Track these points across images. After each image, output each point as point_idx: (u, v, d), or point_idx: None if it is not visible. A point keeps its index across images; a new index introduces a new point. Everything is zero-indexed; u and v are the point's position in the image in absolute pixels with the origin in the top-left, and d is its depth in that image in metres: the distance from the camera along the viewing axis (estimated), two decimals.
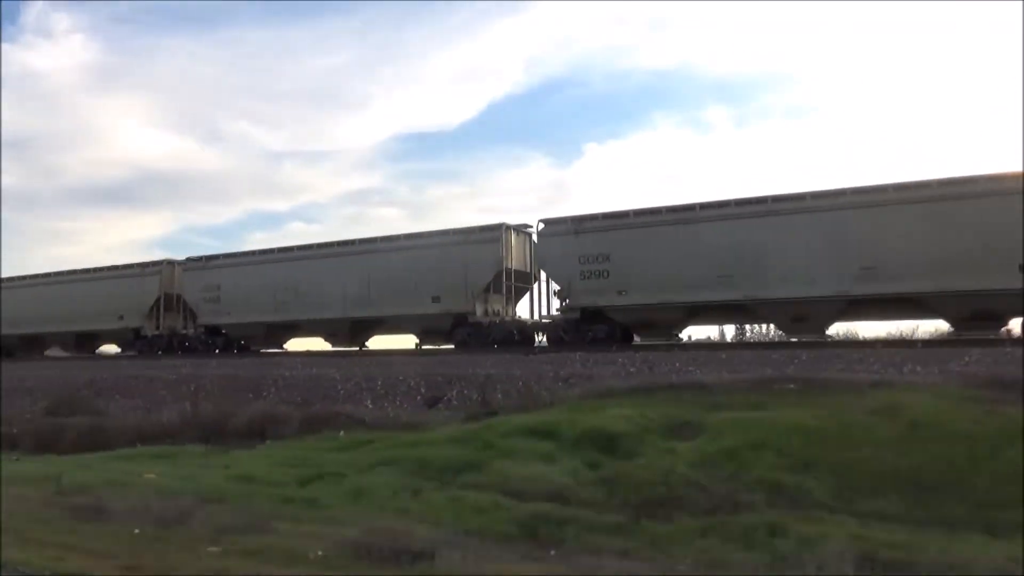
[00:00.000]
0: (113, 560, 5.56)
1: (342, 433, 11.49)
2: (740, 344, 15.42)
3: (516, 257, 19.58)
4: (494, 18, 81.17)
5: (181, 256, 25.67)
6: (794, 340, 16.28)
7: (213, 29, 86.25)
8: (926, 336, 17.22)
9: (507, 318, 19.69)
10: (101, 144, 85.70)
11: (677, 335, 17.90)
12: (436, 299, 19.59)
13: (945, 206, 14.32)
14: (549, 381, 13.04)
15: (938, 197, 14.47)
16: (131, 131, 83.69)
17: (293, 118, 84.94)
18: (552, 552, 5.57)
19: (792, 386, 9.57)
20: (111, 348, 28.25)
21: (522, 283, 19.89)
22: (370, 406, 13.98)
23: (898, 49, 70.45)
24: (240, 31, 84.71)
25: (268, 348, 23.71)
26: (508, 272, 19.21)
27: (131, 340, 25.74)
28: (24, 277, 29.18)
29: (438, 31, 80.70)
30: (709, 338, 22.63)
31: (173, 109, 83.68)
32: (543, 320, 18.47)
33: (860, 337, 18.08)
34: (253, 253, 23.72)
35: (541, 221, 18.74)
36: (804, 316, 15.84)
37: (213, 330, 24.14)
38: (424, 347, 20.33)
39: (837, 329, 17.07)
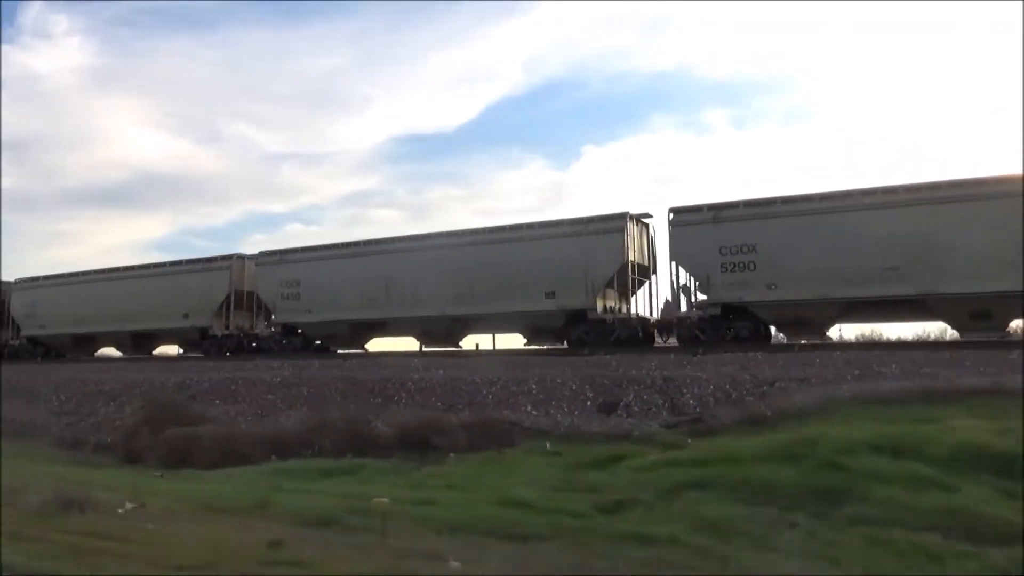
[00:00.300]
0: None
1: (548, 445, 10.05)
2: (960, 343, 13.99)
3: (636, 249, 18.14)
4: (492, 20, 79.53)
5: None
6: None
7: (212, 31, 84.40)
8: None
9: (625, 314, 18.26)
10: (100, 146, 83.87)
11: (826, 333, 16.48)
12: (550, 295, 18.07)
13: None
14: (750, 385, 11.59)
15: None
16: (130, 133, 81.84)
17: (292, 120, 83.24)
18: None
19: None
20: (169, 349, 26.74)
21: (641, 276, 18.49)
22: (533, 412, 12.53)
23: (898, 50, 69.08)
24: (239, 33, 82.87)
25: (349, 348, 22.16)
26: (632, 266, 17.78)
27: (196, 340, 24.17)
28: (75, 273, 27.54)
29: (437, 33, 79.02)
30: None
31: (172, 111, 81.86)
32: (679, 316, 16.96)
33: None
34: (337, 246, 21.99)
35: (671, 210, 17.26)
36: (985, 313, 14.45)
37: (289, 329, 22.59)
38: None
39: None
